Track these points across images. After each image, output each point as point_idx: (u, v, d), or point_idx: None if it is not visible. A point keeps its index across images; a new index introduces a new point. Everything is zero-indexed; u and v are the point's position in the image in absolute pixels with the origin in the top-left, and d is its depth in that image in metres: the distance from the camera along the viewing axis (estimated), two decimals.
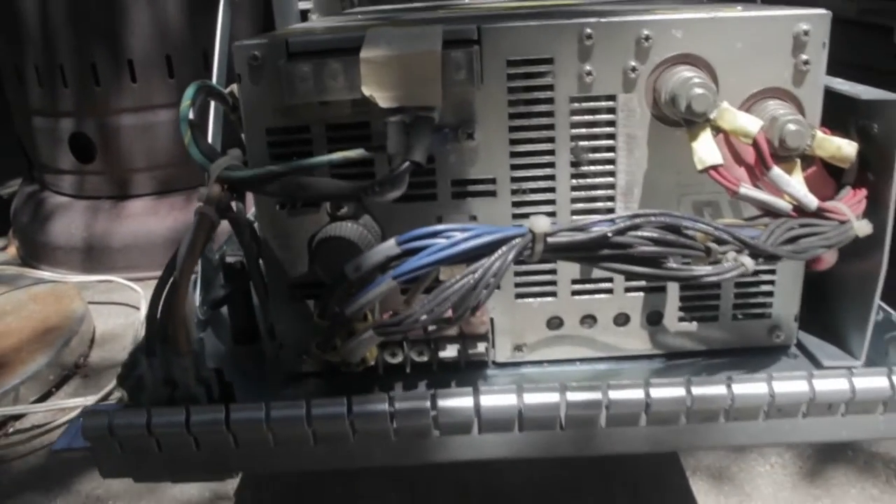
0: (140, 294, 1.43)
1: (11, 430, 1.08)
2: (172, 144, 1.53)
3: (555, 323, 0.56)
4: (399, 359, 0.55)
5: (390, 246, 0.45)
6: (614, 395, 0.46)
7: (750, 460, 0.93)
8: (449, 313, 0.45)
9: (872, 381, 0.46)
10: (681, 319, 0.56)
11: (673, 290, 0.55)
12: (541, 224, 0.44)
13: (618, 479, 0.91)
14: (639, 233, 0.44)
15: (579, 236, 0.44)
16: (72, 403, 1.13)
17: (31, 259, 1.66)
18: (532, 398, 0.46)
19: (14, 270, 1.61)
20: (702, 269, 0.45)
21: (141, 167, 1.55)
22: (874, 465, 0.91)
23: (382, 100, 0.46)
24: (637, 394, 0.46)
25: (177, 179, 1.57)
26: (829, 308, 0.58)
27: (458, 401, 0.46)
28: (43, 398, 1.15)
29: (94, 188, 1.59)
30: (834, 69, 0.54)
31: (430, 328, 0.46)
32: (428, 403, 0.46)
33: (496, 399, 0.46)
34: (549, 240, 0.44)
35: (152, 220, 1.55)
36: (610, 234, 0.44)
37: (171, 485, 0.94)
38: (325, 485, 0.93)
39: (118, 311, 1.44)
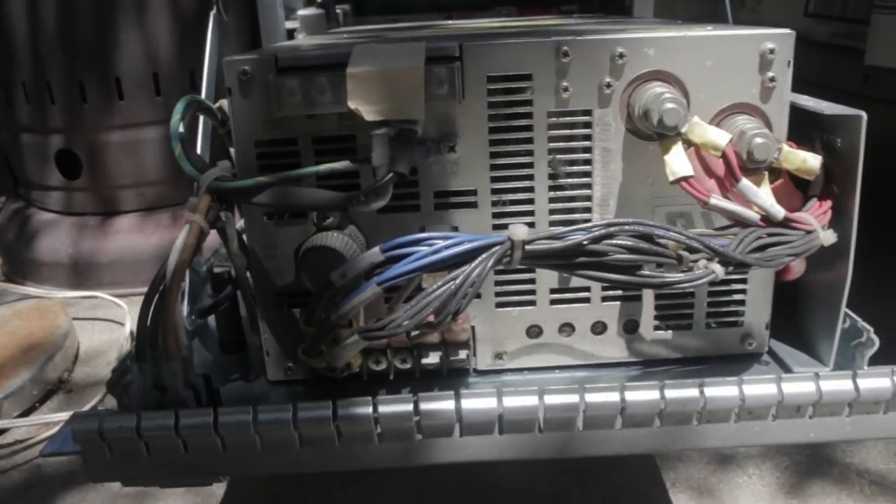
0: (125, 310, 1.43)
1: None
2: (159, 162, 1.54)
3: (534, 331, 0.58)
4: (383, 366, 0.56)
5: (375, 253, 0.46)
6: (591, 398, 0.48)
7: (729, 472, 0.95)
8: (431, 319, 0.46)
9: (838, 384, 0.48)
10: (656, 328, 0.58)
11: (648, 298, 0.57)
12: (519, 232, 0.45)
13: (597, 491, 0.92)
14: (613, 241, 0.46)
15: (556, 244, 0.46)
16: (55, 418, 1.13)
17: (16, 275, 1.65)
18: (512, 401, 0.48)
19: None
20: (674, 277, 0.47)
21: (127, 184, 1.56)
22: (849, 477, 0.93)
23: (367, 113, 0.48)
24: (613, 397, 0.48)
25: (163, 197, 1.58)
26: (799, 317, 0.60)
27: (440, 404, 0.48)
28: (26, 413, 1.15)
29: (81, 205, 1.59)
30: (806, 91, 0.57)
31: (413, 333, 0.48)
32: (411, 407, 0.48)
33: (477, 402, 0.48)
34: (528, 247, 0.46)
35: (138, 237, 1.56)
36: (585, 243, 0.46)
37: (158, 497, 0.95)
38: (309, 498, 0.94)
39: (103, 327, 1.44)
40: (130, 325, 1.38)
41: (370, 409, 0.47)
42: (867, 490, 0.90)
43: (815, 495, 0.90)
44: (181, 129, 0.53)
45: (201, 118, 0.72)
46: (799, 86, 0.54)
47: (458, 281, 0.45)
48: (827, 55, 1.46)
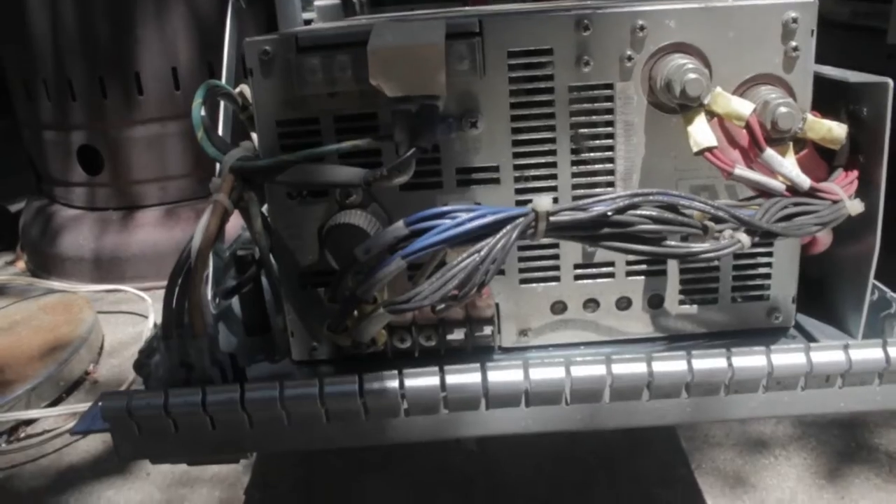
0: (149, 303, 1.44)
1: (23, 434, 1.10)
2: (180, 156, 1.56)
3: (558, 307, 0.58)
4: (408, 344, 0.56)
5: (399, 227, 0.46)
6: (617, 369, 0.47)
7: (755, 453, 0.94)
8: (455, 293, 0.46)
9: (868, 353, 0.48)
10: (681, 302, 0.58)
11: (673, 273, 0.57)
12: (543, 203, 0.45)
13: (623, 473, 0.92)
14: (638, 211, 0.46)
15: (580, 215, 0.46)
16: (81, 408, 1.14)
17: (41, 271, 1.67)
18: (538, 374, 0.48)
19: (24, 281, 1.63)
20: (700, 247, 0.47)
21: (149, 179, 1.57)
22: (877, 458, 0.92)
23: (389, 89, 0.48)
24: (640, 368, 0.47)
25: (185, 191, 1.59)
26: (826, 290, 0.59)
27: (466, 377, 0.48)
28: (53, 404, 1.17)
29: (103, 200, 1.61)
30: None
31: (438, 307, 0.48)
32: (437, 380, 0.48)
33: (503, 375, 0.48)
34: (552, 219, 0.46)
35: (161, 231, 1.57)
36: (610, 213, 0.46)
37: (182, 486, 0.96)
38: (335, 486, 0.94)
39: (127, 320, 1.45)
40: (154, 317, 1.39)
41: (396, 384, 0.47)
42: None
43: (843, 476, 0.89)
44: (202, 112, 0.53)
45: (222, 104, 0.72)
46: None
47: (482, 253, 0.45)
48: (849, 36, 1.44)
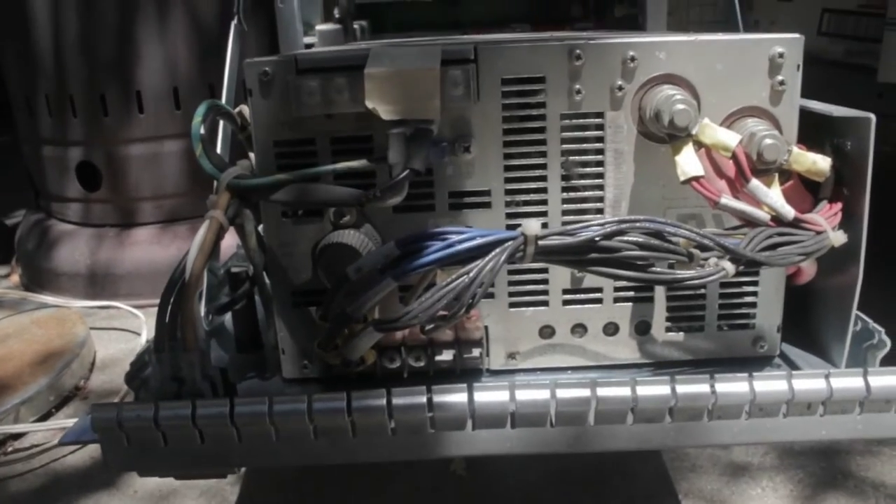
0: (142, 320, 1.44)
1: (10, 448, 1.09)
2: (177, 174, 1.56)
3: (547, 332, 0.59)
4: (397, 364, 0.57)
5: (390, 248, 0.47)
6: (602, 392, 0.48)
7: (742, 483, 0.94)
8: (445, 313, 0.47)
9: (849, 382, 0.48)
10: (668, 329, 0.59)
11: (660, 299, 0.58)
12: (532, 227, 0.46)
13: (609, 500, 0.92)
14: (625, 238, 0.47)
15: (568, 240, 0.47)
16: (71, 423, 1.13)
17: (35, 286, 1.68)
18: (524, 395, 0.48)
19: (18, 295, 1.63)
20: (685, 274, 0.48)
21: (146, 196, 1.58)
22: (864, 490, 0.92)
23: (385, 113, 0.49)
24: (624, 392, 0.48)
25: (181, 209, 1.60)
26: (810, 320, 0.60)
27: (453, 397, 0.48)
28: (42, 419, 1.16)
29: (100, 216, 1.62)
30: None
31: (428, 327, 0.48)
32: (424, 399, 0.48)
33: (490, 396, 0.48)
34: (541, 243, 0.47)
35: (156, 249, 1.58)
36: (597, 239, 0.47)
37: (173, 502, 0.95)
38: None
39: (120, 336, 1.45)
40: (147, 334, 1.39)
41: (384, 401, 0.48)
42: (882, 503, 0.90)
43: None
44: (202, 130, 0.54)
45: (221, 124, 0.74)
46: None
47: (471, 275, 0.46)
48: (841, 73, 1.46)
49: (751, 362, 0.59)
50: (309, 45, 1.33)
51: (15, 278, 1.77)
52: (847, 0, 1.49)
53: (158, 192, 1.57)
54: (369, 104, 0.49)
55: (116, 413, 0.48)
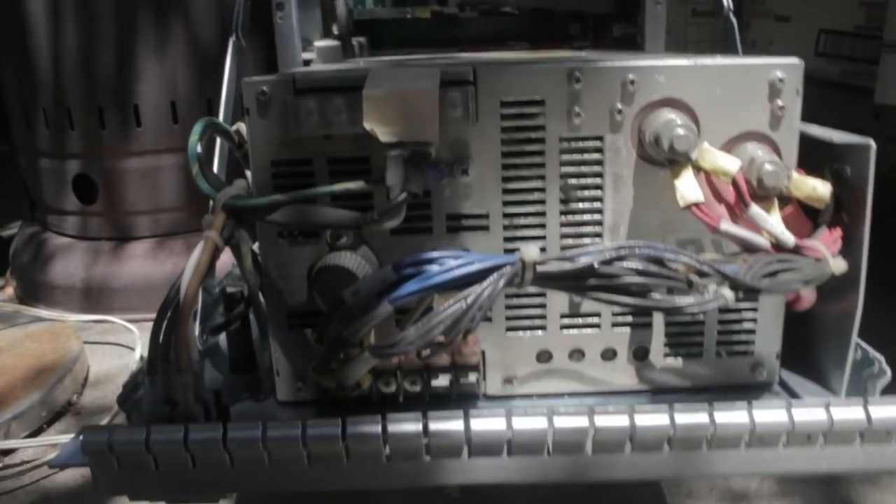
0: (136, 335, 1.43)
1: (1, 464, 1.08)
2: (174, 189, 1.56)
3: (544, 356, 0.58)
4: (392, 388, 0.56)
5: (387, 271, 0.47)
6: (600, 421, 0.47)
7: None
8: (441, 338, 0.46)
9: (849, 412, 0.48)
10: (666, 355, 0.58)
11: (658, 325, 0.57)
12: (530, 253, 0.46)
13: None
14: (624, 264, 0.47)
15: (567, 265, 0.46)
16: (63, 440, 1.12)
17: (30, 299, 1.67)
18: (521, 423, 0.48)
19: (11, 308, 1.62)
20: (684, 300, 0.47)
21: (142, 210, 1.57)
22: None
23: (383, 134, 0.49)
24: (622, 421, 0.47)
25: (177, 223, 1.59)
26: (809, 347, 0.59)
27: (449, 424, 0.48)
28: (33, 434, 1.15)
29: (96, 230, 1.61)
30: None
31: (424, 353, 0.48)
32: (420, 426, 0.47)
33: (486, 423, 0.48)
34: (539, 268, 0.46)
35: (151, 263, 1.57)
36: (596, 264, 0.46)
37: None
38: None
39: (114, 351, 1.44)
40: (141, 350, 1.38)
41: (379, 428, 0.47)
42: None
43: None
44: (199, 149, 0.54)
45: (218, 141, 0.73)
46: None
47: (468, 300, 0.45)
48: (838, 94, 1.47)
49: (749, 389, 0.58)
50: (307, 62, 1.33)
51: (9, 291, 1.76)
52: (844, 21, 1.50)
53: (155, 207, 1.57)
54: (367, 125, 0.49)
55: (107, 436, 0.48)
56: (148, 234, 1.60)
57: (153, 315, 0.50)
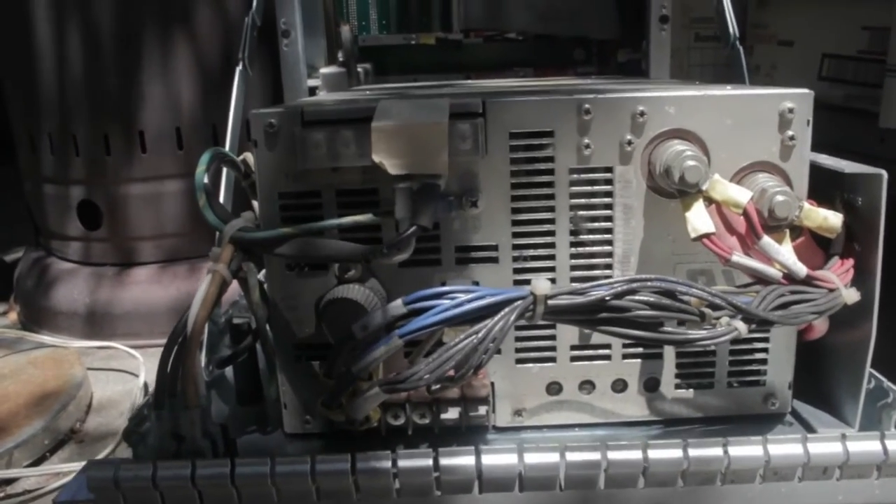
0: (140, 361, 1.42)
1: (2, 494, 1.07)
2: (178, 214, 1.56)
3: (554, 388, 0.57)
4: (401, 421, 0.55)
5: (397, 306, 0.46)
6: (613, 455, 0.47)
7: None
8: (452, 373, 0.46)
9: (866, 445, 0.47)
10: (677, 386, 0.57)
11: (669, 356, 0.57)
12: (542, 287, 0.45)
13: None
14: (636, 297, 0.46)
15: (578, 299, 0.46)
16: (66, 468, 1.11)
17: (33, 324, 1.66)
18: (532, 458, 0.47)
19: (14, 334, 1.61)
20: (696, 333, 0.47)
21: (146, 235, 1.57)
22: None
23: (391, 167, 0.49)
24: (635, 455, 0.47)
25: (181, 249, 1.59)
26: (822, 377, 0.59)
27: (460, 460, 0.47)
28: (36, 463, 1.14)
29: (99, 255, 1.61)
30: (824, 153, 0.57)
31: (434, 387, 0.47)
32: (431, 462, 0.47)
33: (497, 458, 0.47)
34: (550, 302, 0.46)
35: (155, 288, 1.57)
36: (608, 298, 0.46)
37: None
38: None
39: (117, 377, 1.43)
40: (144, 376, 1.38)
41: (389, 464, 0.47)
42: None
43: None
44: (206, 180, 0.54)
45: (225, 171, 0.73)
46: (816, 148, 0.54)
47: (479, 335, 0.45)
48: (842, 118, 1.47)
49: (762, 420, 0.58)
50: (313, 88, 1.34)
51: (13, 316, 1.75)
52: (847, 45, 1.51)
53: (159, 232, 1.57)
54: (376, 158, 0.49)
55: (113, 472, 0.47)
56: (151, 259, 1.59)
57: (157, 341, 0.49)
